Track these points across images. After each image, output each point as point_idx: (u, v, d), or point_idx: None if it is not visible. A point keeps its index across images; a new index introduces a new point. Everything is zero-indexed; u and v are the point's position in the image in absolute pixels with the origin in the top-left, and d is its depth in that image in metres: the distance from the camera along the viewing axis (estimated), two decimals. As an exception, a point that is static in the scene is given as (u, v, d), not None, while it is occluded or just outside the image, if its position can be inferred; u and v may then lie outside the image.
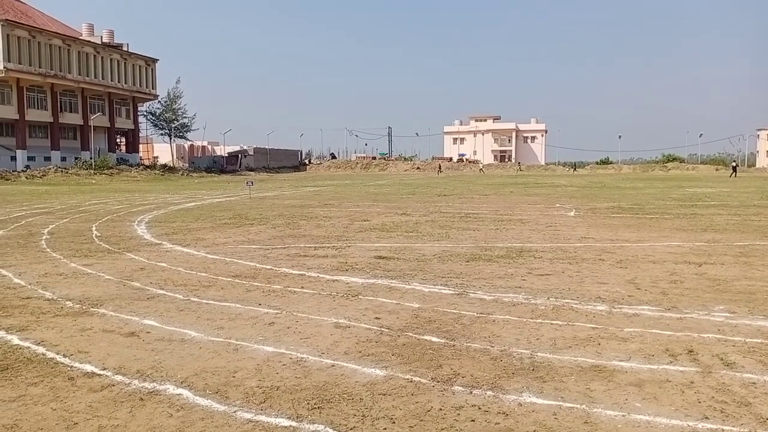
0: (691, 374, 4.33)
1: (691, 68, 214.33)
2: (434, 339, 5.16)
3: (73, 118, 57.72)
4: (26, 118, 52.45)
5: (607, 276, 7.89)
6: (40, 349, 4.94)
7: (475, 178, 53.18)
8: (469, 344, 5.02)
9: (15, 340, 5.20)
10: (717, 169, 71.52)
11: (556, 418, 3.62)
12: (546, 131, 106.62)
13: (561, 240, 11.43)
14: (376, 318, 5.85)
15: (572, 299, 6.57)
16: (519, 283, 7.42)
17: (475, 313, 5.99)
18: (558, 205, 20.35)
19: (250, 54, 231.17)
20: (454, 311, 6.07)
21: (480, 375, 4.32)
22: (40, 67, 51.84)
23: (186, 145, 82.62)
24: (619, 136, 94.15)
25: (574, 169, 78.79)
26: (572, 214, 17.16)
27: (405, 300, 6.57)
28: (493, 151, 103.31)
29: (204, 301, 6.59)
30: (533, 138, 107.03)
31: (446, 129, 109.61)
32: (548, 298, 6.62)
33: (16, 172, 46.19)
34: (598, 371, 4.39)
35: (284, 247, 10.58)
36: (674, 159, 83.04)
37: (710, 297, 6.68)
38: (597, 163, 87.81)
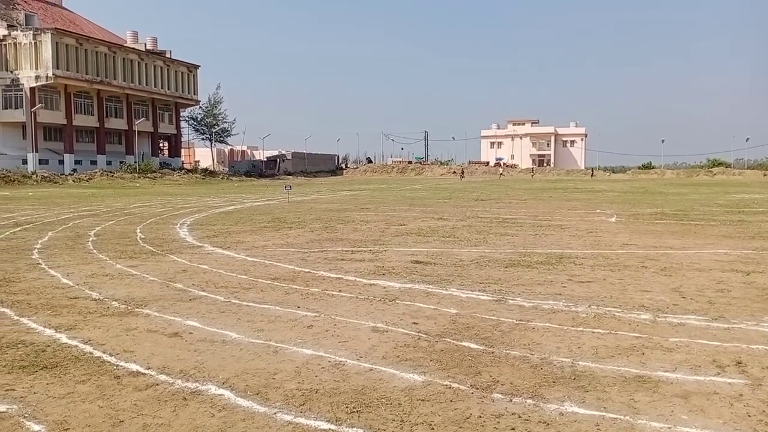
0: (740, 386, 4.19)
1: (735, 71, 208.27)
2: (473, 345, 5.12)
3: (118, 123, 59.46)
4: (73, 123, 54.21)
5: (650, 284, 7.70)
6: (88, 348, 5.09)
7: (512, 182, 52.59)
8: (508, 351, 4.96)
9: (63, 338, 5.37)
10: (765, 175, 68.94)
11: (599, 429, 3.55)
12: (586, 135, 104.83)
13: (602, 246, 11.22)
14: (414, 323, 5.84)
15: (614, 307, 6.44)
16: (559, 290, 7.31)
17: (514, 320, 5.92)
18: (599, 211, 19.97)
19: (289, 60, 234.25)
20: (493, 318, 6.02)
21: (520, 383, 4.26)
22: (87, 74, 53.51)
23: (226, 150, 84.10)
24: (662, 141, 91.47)
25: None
26: (613, 219, 16.82)
27: (442, 305, 6.54)
28: (531, 155, 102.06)
29: (244, 303, 6.69)
30: (572, 142, 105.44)
31: (483, 133, 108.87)
32: (589, 306, 6.50)
33: (63, 176, 47.70)
34: (643, 382, 4.29)
35: (322, 251, 10.66)
36: (720, 164, 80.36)
37: (759, 307, 6.46)
38: (639, 168, 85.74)
